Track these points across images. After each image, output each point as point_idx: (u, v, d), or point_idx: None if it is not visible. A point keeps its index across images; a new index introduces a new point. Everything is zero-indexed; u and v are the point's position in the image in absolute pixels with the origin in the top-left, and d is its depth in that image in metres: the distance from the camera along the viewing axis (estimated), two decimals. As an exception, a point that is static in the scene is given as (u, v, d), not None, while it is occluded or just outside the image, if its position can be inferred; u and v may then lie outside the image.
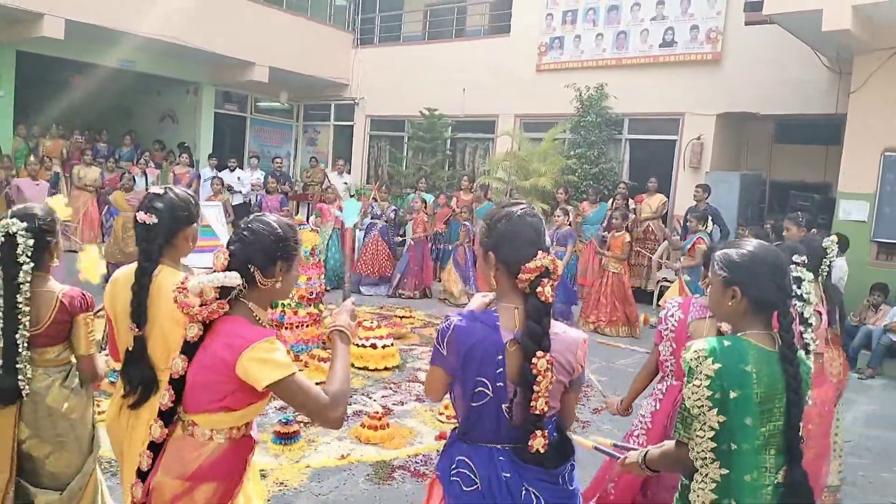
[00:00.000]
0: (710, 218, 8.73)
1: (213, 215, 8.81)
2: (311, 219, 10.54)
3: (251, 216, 2.06)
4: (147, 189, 11.41)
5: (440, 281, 10.47)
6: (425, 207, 10.81)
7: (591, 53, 12.28)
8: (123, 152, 13.22)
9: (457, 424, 2.06)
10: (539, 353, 1.84)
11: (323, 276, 7.17)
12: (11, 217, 2.54)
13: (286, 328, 6.48)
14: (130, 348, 2.34)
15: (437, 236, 11.15)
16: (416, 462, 4.44)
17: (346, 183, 13.21)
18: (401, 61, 14.75)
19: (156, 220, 2.27)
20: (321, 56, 14.83)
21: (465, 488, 1.94)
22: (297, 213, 10.27)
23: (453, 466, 1.98)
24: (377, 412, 4.97)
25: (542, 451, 1.88)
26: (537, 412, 1.86)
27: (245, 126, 16.03)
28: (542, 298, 1.86)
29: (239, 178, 12.72)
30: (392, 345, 6.49)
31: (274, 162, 12.98)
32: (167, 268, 2.34)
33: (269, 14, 13.79)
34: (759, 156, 11.98)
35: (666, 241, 9.90)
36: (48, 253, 2.61)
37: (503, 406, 1.90)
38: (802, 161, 11.45)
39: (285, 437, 4.48)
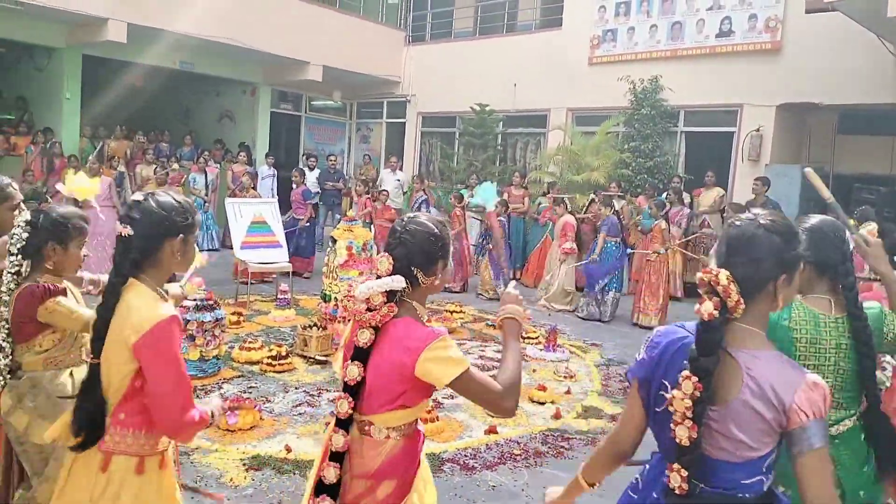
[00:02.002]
0: (748, 209, 8.61)
1: (268, 212, 9.01)
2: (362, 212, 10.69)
3: (405, 218, 2.06)
4: (205, 187, 11.82)
5: (477, 274, 10.52)
6: (462, 204, 10.83)
7: (645, 45, 12.07)
8: (184, 152, 13.62)
9: None
10: (685, 374, 1.62)
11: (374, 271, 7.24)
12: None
13: (339, 322, 6.58)
14: (85, 377, 1.99)
15: (487, 232, 11.15)
16: (466, 455, 4.46)
17: (398, 180, 13.32)
18: (452, 57, 14.78)
19: (131, 233, 1.95)
20: (373, 54, 14.98)
21: (630, 492, 1.90)
22: (351, 208, 10.38)
23: (643, 470, 1.89)
24: (427, 405, 5.01)
25: (677, 492, 1.63)
26: (676, 440, 1.62)
27: (300, 125, 16.32)
28: (700, 316, 1.64)
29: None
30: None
31: (328, 159, 13.18)
32: (139, 286, 1.96)
33: (322, 14, 14.01)
34: (821, 148, 11.59)
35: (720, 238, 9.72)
36: (44, 254, 2.49)
37: None
38: (867, 153, 11.03)
39: (337, 429, 4.55)
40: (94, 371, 1.95)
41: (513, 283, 2.24)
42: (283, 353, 5.99)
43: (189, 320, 5.42)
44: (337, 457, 1.95)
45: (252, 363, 5.91)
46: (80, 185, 2.87)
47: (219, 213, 11.86)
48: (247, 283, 8.44)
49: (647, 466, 1.86)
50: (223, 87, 15.28)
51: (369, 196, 11.33)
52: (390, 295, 1.94)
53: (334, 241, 6.95)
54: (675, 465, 1.64)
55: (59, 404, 2.39)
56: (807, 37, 10.31)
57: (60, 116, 12.13)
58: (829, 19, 9.23)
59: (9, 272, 2.45)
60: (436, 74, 14.90)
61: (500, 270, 9.92)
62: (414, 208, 10.78)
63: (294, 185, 11.23)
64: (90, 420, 1.93)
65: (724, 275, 1.62)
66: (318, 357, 6.18)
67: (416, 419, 2.06)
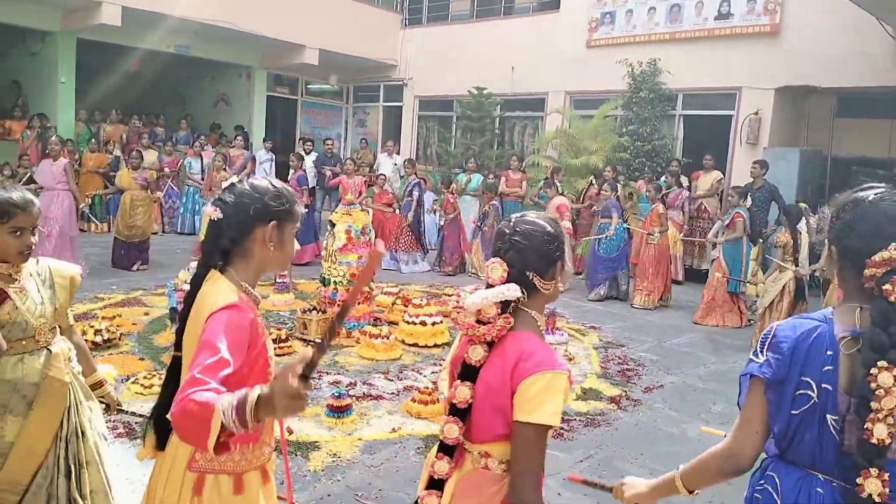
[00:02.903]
0: (748, 193, 8.77)
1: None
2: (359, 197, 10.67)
3: (513, 218, 1.83)
4: (203, 171, 11.75)
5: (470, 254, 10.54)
6: (451, 189, 10.82)
7: (644, 28, 12.01)
8: (180, 136, 13.56)
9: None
10: (882, 364, 1.46)
11: (417, 256, 7.24)
12: None
13: (338, 305, 6.58)
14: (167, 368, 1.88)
15: (485, 215, 11.15)
16: (467, 436, 4.48)
17: (395, 164, 13.28)
18: (449, 40, 14.70)
19: (220, 216, 1.77)
20: (370, 37, 14.89)
21: None
22: (348, 193, 10.35)
23: (761, 481, 1.69)
24: (427, 388, 5.03)
25: (877, 500, 1.46)
26: (874, 441, 1.46)
27: (296, 109, 16.25)
28: (892, 299, 1.48)
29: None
30: (441, 322, 6.54)
31: (325, 144, 13.14)
32: (219, 278, 1.78)
33: (318, -4, 13.92)
34: (819, 131, 11.58)
35: (719, 221, 9.73)
36: None
37: (830, 418, 1.54)
38: (865, 136, 11.02)
39: (338, 411, 4.57)
40: (176, 365, 1.78)
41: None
42: (283, 337, 6.00)
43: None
44: (438, 484, 1.75)
45: (252, 347, 5.91)
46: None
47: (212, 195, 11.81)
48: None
49: (779, 478, 1.64)
50: (219, 71, 15.19)
51: (363, 176, 11.31)
52: (504, 305, 1.70)
53: (333, 225, 6.95)
54: (873, 471, 1.47)
55: None
56: (806, 19, 10.27)
57: (55, 101, 12.06)
58: (828, 2, 9.20)
59: None
60: (433, 58, 14.82)
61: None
62: (406, 192, 10.74)
63: (291, 170, 11.18)
64: (158, 414, 1.77)
65: None
66: (317, 340, 6.17)
67: None
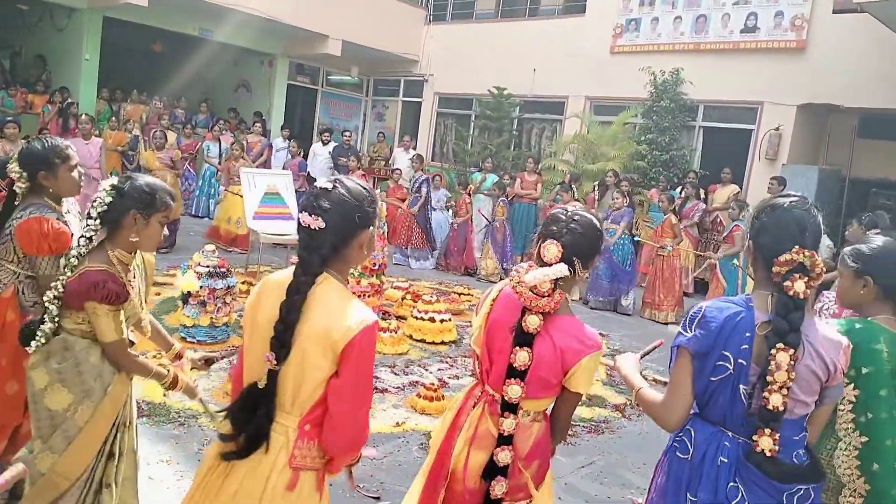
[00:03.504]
0: (749, 207, 8.75)
1: (282, 184, 9.01)
2: (377, 192, 10.68)
3: (568, 209, 2.07)
4: (221, 154, 11.78)
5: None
6: (468, 189, 10.80)
7: (669, 37, 11.96)
8: (199, 119, 13.62)
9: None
10: (780, 346, 1.79)
11: (386, 248, 7.27)
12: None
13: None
14: (260, 384, 1.76)
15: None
16: (470, 435, 4.49)
17: (411, 159, 13.27)
18: (472, 39, 14.68)
19: (322, 225, 1.73)
20: (393, 31, 14.90)
21: (678, 454, 2.00)
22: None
23: (680, 434, 2.02)
24: (433, 384, 5.04)
25: (768, 453, 1.81)
26: (770, 407, 1.79)
27: (316, 98, 16.29)
28: (791, 293, 1.80)
29: (315, 153, 12.90)
30: (450, 320, 6.56)
31: (343, 135, 13.16)
32: (334, 283, 1.78)
33: (344, -13, 13.94)
34: (839, 150, 11.48)
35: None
36: (123, 223, 2.33)
37: (742, 388, 1.86)
38: (886, 158, 10.92)
39: (343, 402, 4.58)
40: (273, 378, 1.73)
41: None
42: (292, 325, 6.01)
43: (201, 286, 5.45)
44: (507, 440, 2.01)
45: (260, 333, 5.94)
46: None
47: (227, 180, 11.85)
48: (244, 252, 8.47)
49: (694, 431, 1.97)
50: (241, 57, 15.24)
51: (364, 169, 11.35)
52: (554, 283, 1.94)
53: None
54: (766, 430, 1.80)
55: (84, 374, 2.29)
56: (832, 37, 10.19)
57: (79, 77, 12.13)
58: (856, 20, 9.13)
59: (83, 236, 2.29)
60: (455, 55, 14.81)
61: (506, 253, 9.94)
62: (413, 189, 10.74)
63: (290, 156, 11.20)
64: (258, 429, 1.74)
65: (818, 258, 1.82)
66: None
67: None
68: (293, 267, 1.79)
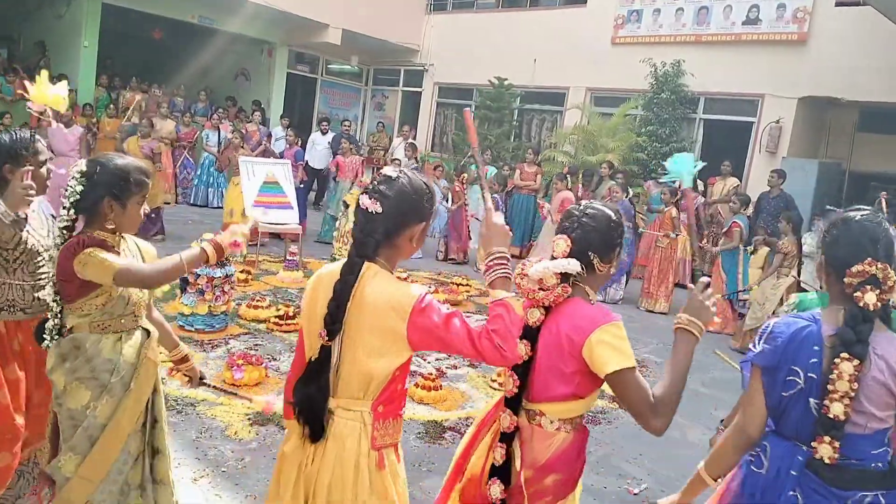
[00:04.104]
0: (750, 202, 8.87)
1: (281, 173, 8.99)
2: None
3: (582, 203, 2.06)
4: (219, 143, 11.74)
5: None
6: (461, 178, 10.78)
7: (670, 28, 11.92)
8: (198, 107, 13.57)
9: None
10: (844, 355, 1.78)
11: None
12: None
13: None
14: (314, 358, 1.83)
15: (497, 206, 11.15)
16: (467, 424, 4.50)
17: (405, 148, 13.24)
18: (473, 29, 14.63)
19: (379, 210, 1.78)
20: (393, 20, 14.84)
21: (753, 468, 1.97)
22: (364, 175, 10.36)
23: (756, 449, 1.97)
24: (431, 374, 5.05)
25: (826, 460, 1.80)
26: (830, 415, 1.78)
27: (315, 88, 16.24)
28: (861, 304, 1.81)
29: (315, 142, 12.87)
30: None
31: (343, 125, 13.12)
32: (381, 271, 1.81)
33: (345, -24, 13.87)
34: (839, 144, 11.49)
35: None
36: (100, 211, 2.22)
37: (811, 400, 1.84)
38: (886, 151, 10.93)
39: (341, 391, 4.59)
40: (326, 354, 1.78)
41: (704, 280, 2.02)
42: (291, 314, 6.02)
43: (199, 275, 5.44)
44: (505, 437, 1.96)
45: (259, 321, 5.94)
46: (48, 94, 2.44)
47: (229, 171, 11.83)
48: (255, 244, 8.46)
49: (770, 446, 1.93)
50: (240, 45, 15.18)
51: (363, 157, 11.31)
52: (564, 277, 1.91)
53: (346, 206, 6.96)
54: (826, 438, 1.79)
55: (97, 369, 2.22)
56: (834, 30, 10.17)
57: (77, 64, 12.09)
58: (858, 13, 9.11)
59: (59, 227, 2.21)
60: (455, 45, 14.76)
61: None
62: None
63: (287, 146, 11.15)
64: (313, 408, 1.79)
65: (891, 272, 1.80)
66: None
67: (584, 414, 2.04)
68: (342, 260, 1.84)
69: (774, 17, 10.82)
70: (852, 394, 1.77)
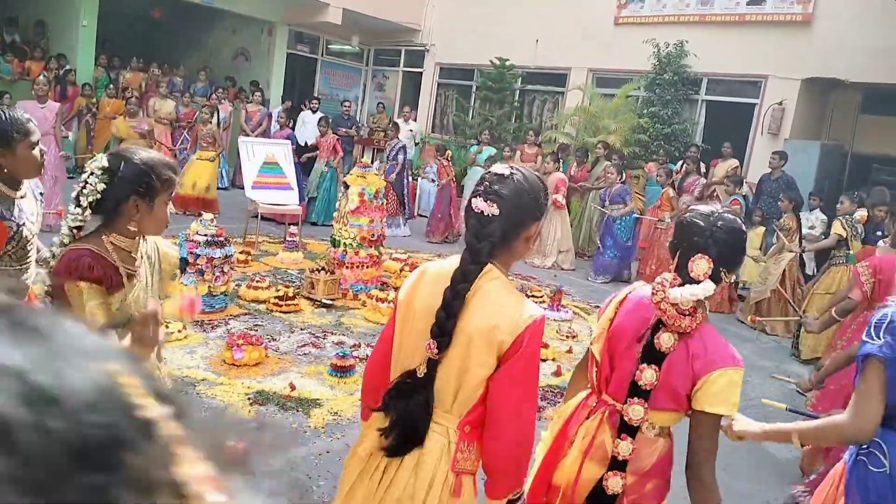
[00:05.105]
0: (743, 182, 9.03)
1: (280, 154, 8.97)
2: (376, 163, 10.62)
3: (713, 215, 1.88)
4: (213, 123, 11.68)
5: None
6: (446, 155, 10.74)
7: (674, 8, 11.81)
8: (198, 87, 13.49)
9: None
10: None
11: (385, 219, 7.26)
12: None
13: (347, 267, 6.61)
14: (419, 372, 1.69)
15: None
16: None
17: (411, 130, 13.19)
18: (474, 8, 14.48)
19: (496, 212, 1.65)
20: (395, 0, 14.69)
21: (870, 467, 1.91)
22: (363, 156, 10.32)
23: (866, 447, 1.93)
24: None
25: None
26: None
27: (315, 68, 16.12)
28: None
29: (305, 121, 12.80)
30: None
31: (343, 105, 13.06)
32: (499, 276, 1.71)
33: (345, -45, 13.72)
34: (842, 126, 11.41)
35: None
36: (123, 211, 1.99)
37: None
38: (889, 133, 10.85)
39: (341, 370, 4.62)
40: (433, 367, 1.67)
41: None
42: (291, 295, 6.03)
43: (199, 255, 5.45)
44: (621, 465, 1.86)
45: (259, 302, 5.95)
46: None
47: (230, 152, 11.80)
48: (254, 221, 8.46)
49: (886, 444, 1.88)
50: (240, 24, 15.05)
51: (364, 139, 11.33)
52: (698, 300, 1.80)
53: (346, 187, 6.94)
54: None
55: None
56: (838, 11, 10.06)
57: (77, 44, 11.99)
58: (864, -7, 9.00)
59: (68, 225, 1.98)
60: (457, 25, 14.63)
61: None
62: (389, 158, 10.67)
63: (279, 127, 11.10)
64: (415, 421, 1.67)
65: None
66: (324, 300, 6.22)
67: None
68: (455, 256, 1.73)
69: (779, -2, 10.71)
70: None
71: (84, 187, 1.96)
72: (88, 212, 1.97)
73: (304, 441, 3.75)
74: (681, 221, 1.93)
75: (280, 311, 5.80)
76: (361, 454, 1.80)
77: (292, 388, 4.34)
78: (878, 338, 1.85)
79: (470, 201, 1.68)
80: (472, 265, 1.67)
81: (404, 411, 1.68)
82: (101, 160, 1.98)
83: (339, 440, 3.82)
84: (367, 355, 5.09)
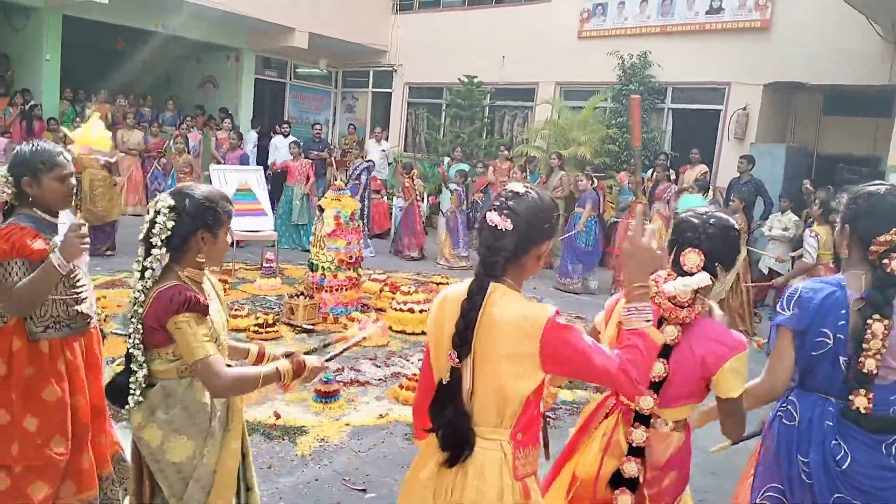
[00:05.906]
0: (709, 187, 9.25)
1: (253, 179, 8.94)
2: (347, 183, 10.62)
3: (704, 213, 2.03)
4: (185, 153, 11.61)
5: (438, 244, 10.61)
6: (411, 174, 10.83)
7: (635, 20, 12.02)
8: (167, 117, 13.42)
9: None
10: (876, 317, 1.99)
11: (362, 242, 7.25)
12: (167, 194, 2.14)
13: (326, 291, 6.58)
14: (444, 380, 1.79)
15: (475, 204, 11.18)
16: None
17: (384, 150, 13.22)
18: (440, 27, 14.62)
19: (510, 227, 1.71)
20: (361, 22, 14.77)
21: (784, 421, 2.18)
22: (337, 178, 10.29)
23: (784, 404, 2.20)
24: (415, 374, 5.05)
25: (863, 411, 2.02)
26: (864, 371, 2.00)
27: (284, 92, 16.12)
28: (888, 270, 2.01)
29: (277, 146, 12.76)
30: (429, 310, 6.56)
31: (313, 128, 13.04)
32: (509, 291, 1.76)
33: (309, -21, 13.77)
34: (806, 128, 11.67)
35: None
36: (191, 245, 2.08)
37: (840, 358, 2.07)
38: (851, 134, 11.12)
39: (326, 396, 4.58)
40: (456, 376, 1.75)
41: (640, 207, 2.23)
42: (270, 321, 5.99)
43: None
44: (636, 451, 2.01)
45: (239, 330, 5.89)
46: (93, 137, 2.47)
47: (201, 180, 11.71)
48: (232, 247, 8.40)
49: (798, 401, 2.17)
50: (206, 53, 15.02)
51: (337, 161, 11.42)
52: (695, 292, 1.92)
53: (322, 211, 6.92)
54: (862, 391, 2.02)
55: (195, 416, 2.08)
56: (796, 16, 10.32)
57: (40, 78, 11.88)
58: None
59: (149, 268, 2.04)
60: (423, 44, 14.73)
61: (457, 239, 10.16)
62: (352, 178, 10.72)
63: (230, 150, 11.06)
64: (456, 433, 1.74)
65: None
66: (304, 326, 6.18)
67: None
68: (468, 280, 1.80)
69: (737, 6, 10.95)
70: (883, 350, 1.98)
71: (152, 227, 2.04)
72: (164, 250, 2.04)
73: (291, 470, 3.71)
74: (677, 221, 2.10)
75: (260, 339, 5.75)
76: (424, 479, 1.83)
77: (277, 416, 4.30)
78: (789, 309, 2.13)
79: (484, 215, 1.76)
80: (487, 277, 1.75)
81: (445, 422, 1.76)
82: (167, 199, 2.05)
83: (327, 467, 3.78)
84: (351, 379, 5.07)
